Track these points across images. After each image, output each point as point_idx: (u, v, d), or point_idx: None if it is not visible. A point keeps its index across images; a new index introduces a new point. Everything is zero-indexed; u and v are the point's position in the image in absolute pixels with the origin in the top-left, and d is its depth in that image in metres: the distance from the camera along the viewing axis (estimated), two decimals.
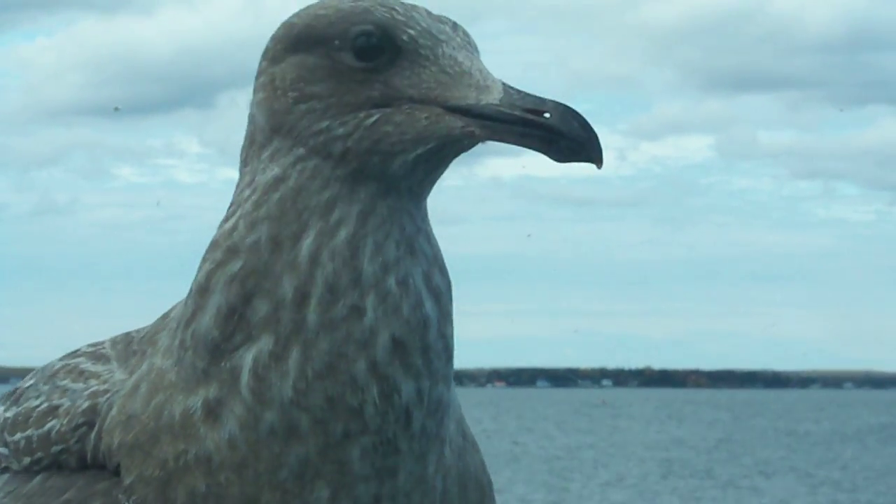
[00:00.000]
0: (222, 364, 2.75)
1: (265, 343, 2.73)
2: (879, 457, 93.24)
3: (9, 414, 3.02)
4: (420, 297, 2.82)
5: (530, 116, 2.72)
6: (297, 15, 2.90)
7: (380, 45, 2.78)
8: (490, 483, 3.20)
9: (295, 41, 2.88)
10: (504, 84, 2.78)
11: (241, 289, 2.76)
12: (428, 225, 2.93)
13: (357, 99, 2.79)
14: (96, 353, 3.09)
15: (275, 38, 2.96)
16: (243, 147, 3.05)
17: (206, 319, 2.79)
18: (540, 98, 2.76)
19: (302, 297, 2.73)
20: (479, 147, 3.10)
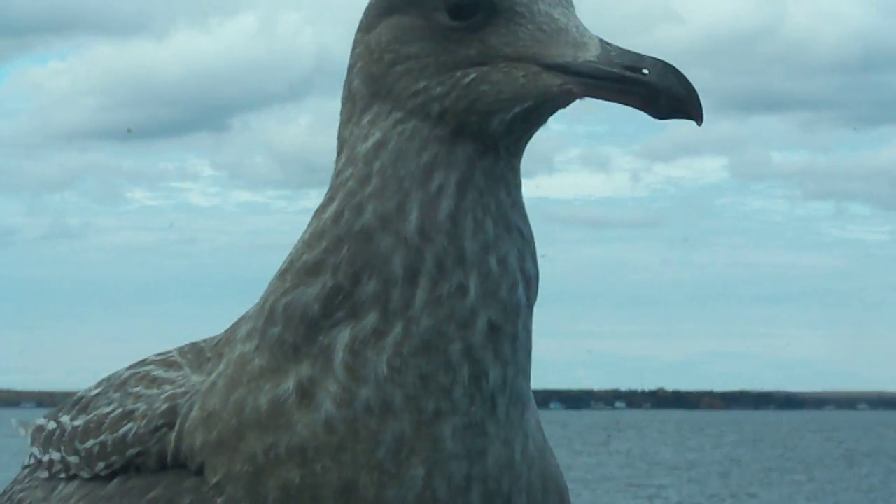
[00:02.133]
0: (319, 339, 2.81)
1: (370, 320, 2.80)
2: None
3: (77, 423, 3.05)
4: (515, 279, 2.88)
5: (629, 73, 2.77)
6: None
7: (475, 3, 2.84)
8: (567, 489, 3.24)
9: (389, 3, 2.93)
10: (601, 40, 2.78)
11: (350, 268, 2.82)
12: (520, 192, 2.95)
13: (453, 58, 2.85)
14: (166, 361, 3.16)
15: (368, 6, 3.02)
16: (339, 127, 3.07)
17: (308, 293, 2.85)
18: (638, 55, 2.81)
19: (413, 275, 2.80)
20: None
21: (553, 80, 2.80)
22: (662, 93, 2.73)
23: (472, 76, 2.81)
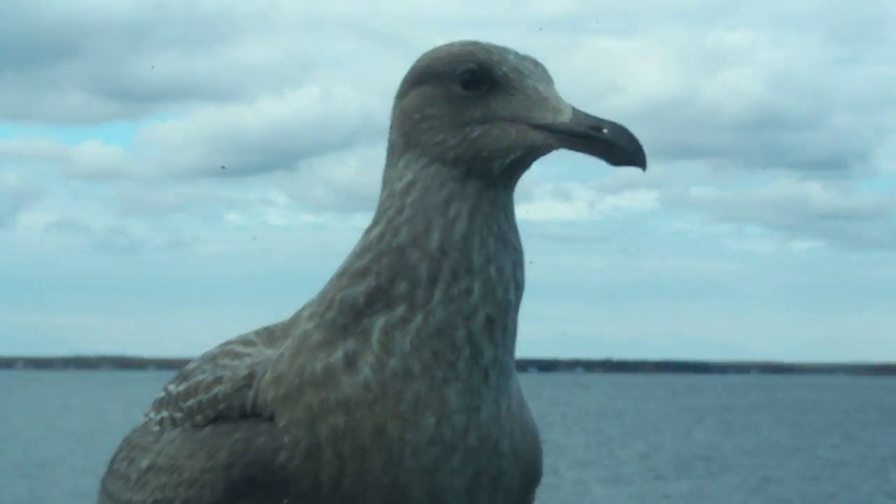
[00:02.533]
0: (362, 322, 2.83)
1: (398, 311, 2.81)
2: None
3: (181, 388, 3.08)
4: (509, 284, 2.87)
5: (593, 132, 2.77)
6: (419, 59, 2.98)
7: (480, 78, 2.84)
8: (539, 434, 3.21)
9: (419, 77, 2.92)
10: (573, 107, 2.84)
11: (389, 274, 2.82)
12: (514, 216, 2.95)
13: (464, 118, 2.84)
14: (245, 340, 3.13)
15: (403, 80, 3.01)
16: (384, 169, 3.05)
17: (357, 290, 2.85)
18: (600, 119, 2.81)
19: (433, 280, 2.81)
20: None
21: (537, 136, 2.82)
22: (617, 147, 2.77)
23: (477, 132, 2.84)
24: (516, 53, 2.96)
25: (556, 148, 2.90)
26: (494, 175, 2.86)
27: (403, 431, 2.80)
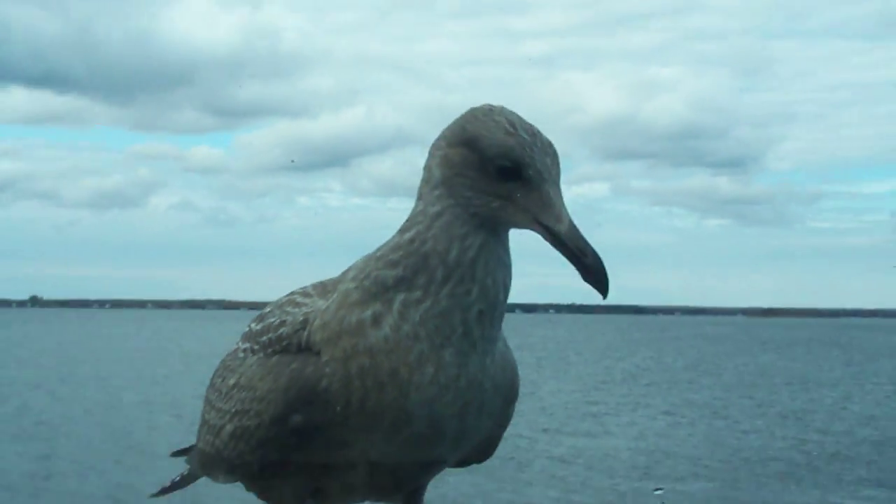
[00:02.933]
0: (388, 294, 2.79)
1: (415, 294, 2.77)
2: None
3: (258, 327, 3.08)
4: (499, 289, 2.82)
5: (577, 253, 2.73)
6: (471, 124, 2.85)
7: (512, 174, 2.75)
8: (516, 367, 3.16)
9: (465, 140, 2.82)
10: (570, 220, 2.77)
11: (413, 270, 2.78)
12: (508, 252, 2.88)
13: (489, 189, 2.77)
14: (304, 293, 3.08)
15: (452, 129, 2.89)
16: (420, 184, 2.93)
17: (388, 274, 2.81)
18: (586, 243, 2.77)
19: (445, 279, 2.76)
20: None
21: (537, 228, 2.78)
22: (591, 272, 2.76)
23: (496, 205, 2.79)
24: (542, 143, 2.84)
25: (545, 240, 2.83)
26: (498, 231, 2.84)
27: (411, 374, 2.79)
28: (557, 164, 2.88)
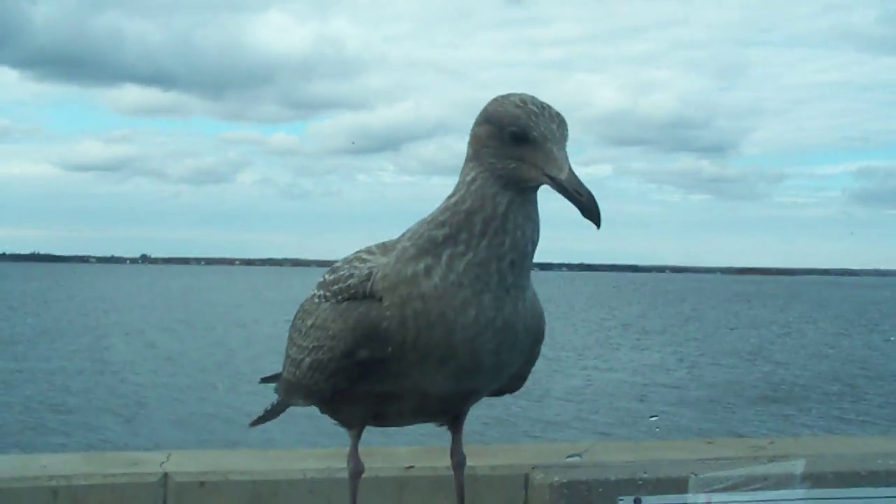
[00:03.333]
0: (437, 250, 2.76)
1: (459, 248, 2.74)
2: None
3: (330, 278, 3.04)
4: (528, 241, 2.77)
5: (574, 194, 2.69)
6: (491, 104, 2.83)
7: (520, 137, 2.72)
8: (542, 312, 3.09)
9: (487, 118, 2.80)
10: (570, 169, 2.73)
11: (458, 226, 2.74)
12: (535, 210, 2.83)
13: (508, 154, 2.74)
14: (368, 251, 3.05)
15: (480, 114, 2.88)
16: (462, 167, 2.90)
17: (437, 233, 2.77)
18: (581, 184, 2.72)
19: (482, 233, 2.73)
20: None
21: (545, 179, 2.73)
22: (585, 207, 2.70)
23: (513, 166, 2.75)
24: (550, 114, 2.80)
25: (552, 188, 2.77)
26: (521, 189, 2.77)
27: (456, 316, 2.74)
28: (564, 129, 2.84)
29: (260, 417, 3.74)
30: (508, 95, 2.89)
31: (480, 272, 2.78)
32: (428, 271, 2.82)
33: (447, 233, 2.83)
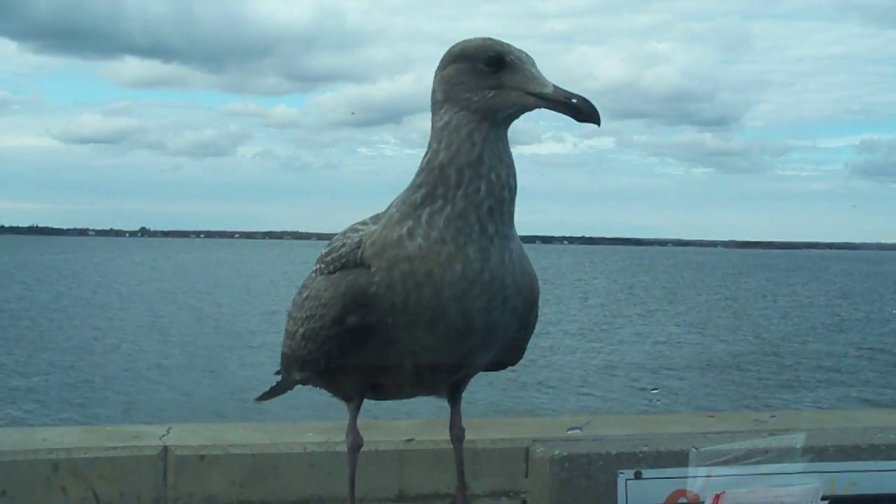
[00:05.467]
0: (416, 212, 2.78)
1: (438, 204, 2.76)
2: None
3: (325, 251, 3.08)
4: (503, 185, 2.77)
5: (565, 101, 2.68)
6: (454, 46, 2.85)
7: (496, 61, 2.73)
8: (536, 276, 3.09)
9: (455, 57, 2.82)
10: (553, 84, 2.73)
11: (434, 184, 2.77)
12: (507, 151, 2.82)
13: (484, 85, 2.74)
14: (363, 222, 3.07)
15: (444, 58, 2.89)
16: (431, 119, 2.91)
17: (416, 196, 2.80)
18: (570, 92, 2.70)
19: (458, 183, 2.74)
20: None
21: (530, 99, 2.72)
22: (582, 110, 2.67)
23: (492, 94, 2.74)
24: (518, 49, 2.82)
25: (540, 107, 2.77)
26: (499, 120, 2.77)
27: (443, 273, 2.76)
28: (532, 59, 2.84)
29: (266, 393, 3.75)
30: (468, 38, 2.90)
31: (461, 224, 2.80)
32: (411, 233, 2.84)
33: (425, 192, 2.86)
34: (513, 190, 2.85)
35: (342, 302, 2.89)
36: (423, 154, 2.90)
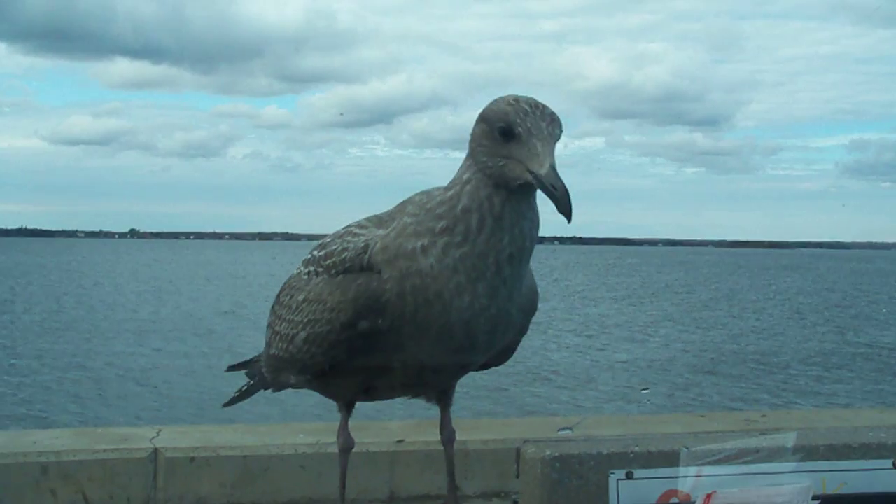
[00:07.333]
0: (435, 237, 2.78)
1: (456, 238, 2.77)
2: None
3: (320, 253, 3.05)
4: (526, 237, 2.79)
5: (550, 188, 2.65)
6: (487, 106, 2.83)
7: (507, 133, 2.72)
8: (536, 288, 3.14)
9: (482, 118, 2.81)
10: (551, 165, 2.69)
11: (453, 221, 2.77)
12: (532, 208, 2.84)
13: (497, 152, 2.74)
14: (360, 224, 3.06)
15: (478, 115, 2.87)
16: (463, 161, 2.91)
17: (436, 223, 2.80)
18: (558, 180, 2.68)
19: (479, 230, 2.75)
20: None
21: (529, 176, 2.70)
22: (558, 200, 2.66)
23: (502, 163, 2.74)
24: (541, 112, 2.77)
25: (536, 187, 2.75)
26: (511, 189, 2.77)
27: (452, 297, 2.78)
28: (554, 127, 2.80)
29: (233, 398, 3.77)
30: (504, 96, 2.87)
31: (477, 263, 2.80)
32: (425, 250, 2.83)
33: (445, 225, 2.84)
34: (535, 240, 2.87)
35: (354, 306, 2.88)
36: (417, 154, 2.93)
